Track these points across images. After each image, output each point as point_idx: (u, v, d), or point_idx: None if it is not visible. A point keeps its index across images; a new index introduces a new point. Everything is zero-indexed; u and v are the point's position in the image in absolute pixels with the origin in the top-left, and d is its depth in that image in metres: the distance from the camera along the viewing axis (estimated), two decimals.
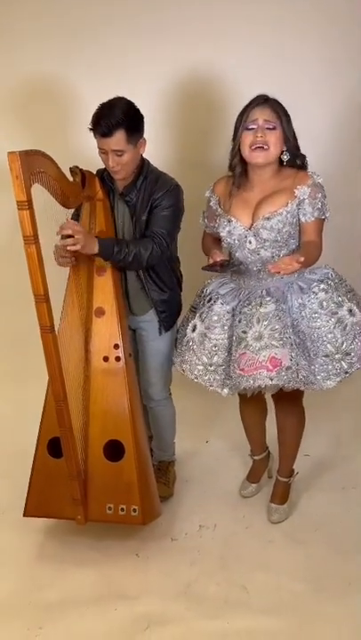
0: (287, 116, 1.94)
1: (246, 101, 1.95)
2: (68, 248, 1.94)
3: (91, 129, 2.00)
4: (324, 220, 2.00)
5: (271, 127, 1.91)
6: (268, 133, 1.91)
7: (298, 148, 1.98)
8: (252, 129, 1.91)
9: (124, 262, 2.05)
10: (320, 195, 1.97)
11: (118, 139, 1.97)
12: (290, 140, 1.95)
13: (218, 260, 1.96)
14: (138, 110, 2.03)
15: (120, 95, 2.02)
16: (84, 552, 2.12)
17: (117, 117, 1.95)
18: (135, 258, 2.03)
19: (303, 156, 2.00)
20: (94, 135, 2.00)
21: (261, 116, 1.91)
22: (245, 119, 1.92)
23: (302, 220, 1.98)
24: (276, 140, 1.92)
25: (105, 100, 2.01)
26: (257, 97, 1.94)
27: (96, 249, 1.98)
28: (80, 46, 2.87)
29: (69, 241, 1.92)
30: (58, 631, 1.83)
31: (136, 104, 2.02)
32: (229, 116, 2.04)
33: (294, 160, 1.98)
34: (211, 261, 1.98)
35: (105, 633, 1.82)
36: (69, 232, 1.92)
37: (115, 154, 2.00)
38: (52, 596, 1.96)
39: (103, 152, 2.03)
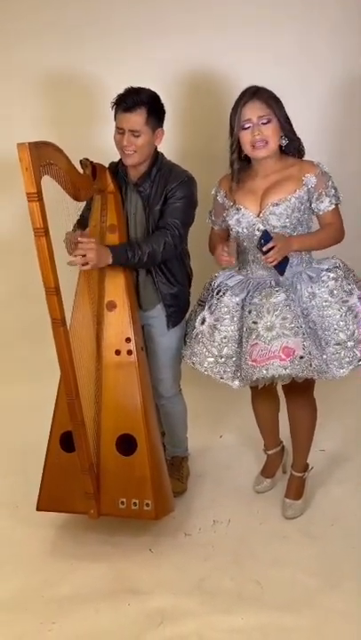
0: (278, 102, 1.95)
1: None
2: (82, 268, 1.95)
3: (113, 105, 2.02)
4: (338, 204, 2.02)
5: (266, 121, 1.93)
6: (265, 128, 1.93)
7: (293, 132, 2.00)
8: (248, 127, 1.93)
9: (139, 264, 2.05)
10: (330, 182, 1.99)
11: (138, 117, 1.99)
12: (285, 126, 1.96)
13: (225, 257, 1.98)
14: (162, 103, 2.08)
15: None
16: (96, 547, 2.12)
17: (143, 97, 2.00)
18: (150, 256, 2.04)
19: (299, 139, 2.02)
20: (115, 113, 2.03)
21: (253, 113, 1.92)
22: (239, 119, 1.94)
23: (321, 211, 2.00)
24: (274, 131, 1.94)
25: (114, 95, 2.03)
26: (246, 90, 1.95)
27: (109, 260, 1.98)
28: (84, 41, 2.87)
29: (79, 259, 1.91)
30: (71, 626, 1.82)
31: None
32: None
33: (292, 144, 2.00)
34: (223, 258, 1.98)
35: (118, 628, 1.81)
36: (81, 252, 1.91)
37: (131, 134, 2.01)
38: (65, 590, 1.95)
39: (120, 131, 2.03)
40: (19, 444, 2.71)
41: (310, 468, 2.30)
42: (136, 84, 2.05)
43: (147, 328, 2.26)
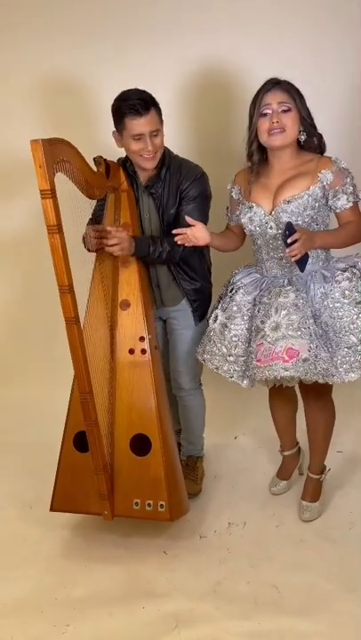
0: (300, 95, 1.91)
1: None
2: (115, 254, 1.99)
3: (118, 121, 1.98)
4: (357, 202, 1.95)
5: (286, 109, 1.88)
6: (284, 116, 1.88)
7: (315, 127, 1.94)
8: (267, 114, 1.88)
9: (158, 260, 2.05)
10: (348, 179, 1.92)
11: (153, 116, 1.98)
12: (305, 120, 1.91)
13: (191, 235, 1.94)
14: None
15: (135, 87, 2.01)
16: (110, 549, 2.10)
17: (146, 95, 1.98)
18: (169, 254, 2.04)
19: (320, 135, 1.96)
20: (125, 124, 1.97)
21: (275, 99, 1.87)
22: (259, 105, 1.89)
23: (339, 209, 1.94)
24: (293, 121, 1.89)
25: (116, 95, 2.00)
26: (268, 81, 1.90)
27: (133, 249, 1.99)
28: (91, 40, 2.85)
29: (116, 248, 1.95)
30: (85, 629, 1.80)
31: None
32: (246, 104, 1.99)
33: (312, 140, 1.94)
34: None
35: (132, 632, 1.78)
36: (116, 241, 1.94)
37: (152, 135, 1.99)
38: (79, 593, 1.93)
39: (137, 138, 1.99)
40: (32, 444, 2.70)
41: (328, 469, 2.26)
42: (147, 82, 2.03)
43: (170, 321, 2.27)
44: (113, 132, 2.06)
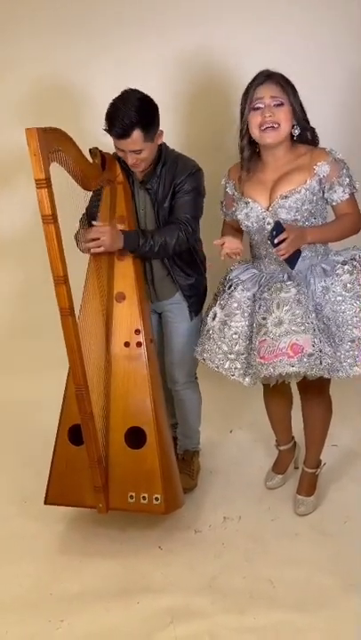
0: (293, 88, 1.87)
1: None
2: (93, 251, 1.95)
3: (105, 129, 1.93)
4: (354, 193, 1.92)
5: (279, 103, 1.83)
6: (277, 111, 1.83)
7: (307, 121, 1.91)
8: (259, 108, 1.84)
9: (150, 254, 2.02)
10: (344, 170, 1.89)
11: (135, 139, 1.91)
12: (298, 113, 1.87)
13: (227, 248, 1.91)
14: (151, 102, 1.95)
15: (126, 84, 1.95)
16: (105, 543, 2.08)
17: (131, 117, 1.87)
18: (161, 248, 2.01)
19: (313, 129, 1.93)
20: (110, 135, 1.94)
21: (267, 93, 1.83)
22: (251, 99, 1.85)
23: (335, 201, 1.91)
24: (286, 115, 1.84)
25: (111, 90, 1.94)
26: (259, 73, 1.86)
27: (121, 244, 1.96)
28: (81, 36, 2.83)
29: (92, 244, 1.92)
30: (79, 624, 1.79)
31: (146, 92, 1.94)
32: (238, 97, 1.96)
33: (305, 134, 1.91)
34: (223, 252, 1.92)
35: (128, 627, 1.77)
36: (94, 235, 1.91)
37: (134, 153, 1.95)
38: (74, 587, 1.92)
39: (120, 151, 1.98)
40: (27, 436, 2.69)
41: (323, 464, 2.26)
42: (142, 76, 1.98)
43: (165, 314, 2.25)
44: None
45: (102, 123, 1.98)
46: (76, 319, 1.80)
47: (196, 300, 2.23)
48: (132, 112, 1.87)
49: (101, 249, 1.94)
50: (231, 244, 1.92)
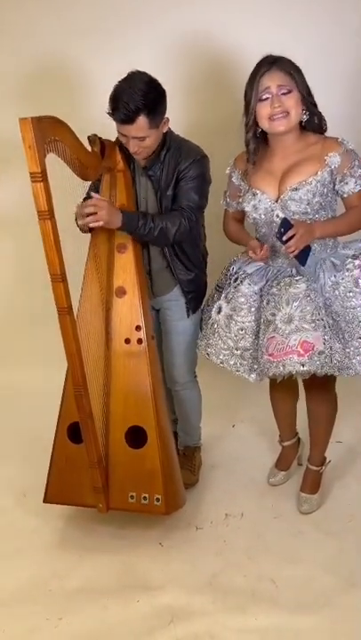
0: (299, 72, 1.79)
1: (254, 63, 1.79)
2: (91, 225, 1.86)
3: (109, 113, 1.86)
4: None
5: (286, 91, 1.77)
6: (286, 99, 1.77)
7: (315, 105, 1.83)
8: (267, 99, 1.77)
9: (149, 237, 1.94)
10: (356, 162, 1.83)
11: (139, 125, 1.84)
12: (307, 99, 1.80)
13: (258, 253, 1.87)
14: (158, 87, 1.87)
15: (128, 67, 1.87)
16: (105, 540, 2.07)
17: (137, 102, 1.80)
18: (161, 232, 1.93)
19: (320, 114, 1.85)
20: (113, 119, 1.87)
21: (273, 82, 1.76)
22: (257, 89, 1.77)
23: (346, 193, 1.85)
24: (295, 103, 1.78)
25: (114, 72, 1.85)
26: (263, 60, 1.78)
27: (119, 222, 1.88)
28: (79, 18, 2.75)
29: (90, 218, 1.83)
30: (77, 622, 1.77)
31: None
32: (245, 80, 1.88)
33: (312, 119, 1.84)
34: (253, 256, 1.89)
35: (127, 626, 1.75)
36: (91, 209, 1.82)
37: (137, 139, 1.88)
38: (73, 585, 1.91)
39: (123, 137, 1.90)
40: (27, 430, 2.66)
41: (328, 461, 2.22)
42: (147, 60, 1.90)
43: (163, 311, 2.19)
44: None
45: (101, 110, 1.90)
46: (74, 317, 1.75)
47: (195, 297, 2.15)
48: (138, 96, 1.80)
49: (100, 223, 1.84)
50: (266, 252, 1.88)
